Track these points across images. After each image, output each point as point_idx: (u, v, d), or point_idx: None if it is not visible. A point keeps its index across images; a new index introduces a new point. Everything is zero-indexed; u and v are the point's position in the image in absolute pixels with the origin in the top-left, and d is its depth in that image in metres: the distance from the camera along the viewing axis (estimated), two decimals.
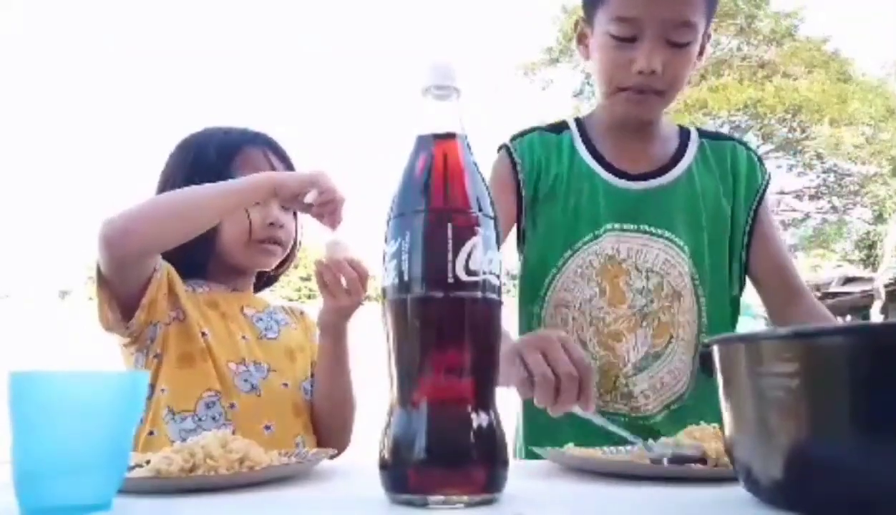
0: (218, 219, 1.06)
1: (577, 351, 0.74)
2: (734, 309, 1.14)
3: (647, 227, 1.09)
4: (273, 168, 1.15)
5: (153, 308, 1.03)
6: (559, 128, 1.19)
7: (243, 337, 1.10)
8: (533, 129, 1.19)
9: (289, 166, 1.19)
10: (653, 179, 1.11)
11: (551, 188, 1.13)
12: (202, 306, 1.10)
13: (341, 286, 1.06)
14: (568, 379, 0.71)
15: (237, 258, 1.15)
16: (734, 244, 1.14)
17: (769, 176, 1.18)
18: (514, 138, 1.17)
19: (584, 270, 1.10)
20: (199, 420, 1.01)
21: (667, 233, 1.08)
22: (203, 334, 1.05)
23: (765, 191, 1.16)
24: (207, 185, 1.01)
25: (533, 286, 1.13)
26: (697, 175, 1.13)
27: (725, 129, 15.77)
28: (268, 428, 1.05)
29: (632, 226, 1.09)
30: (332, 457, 0.78)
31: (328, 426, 1.13)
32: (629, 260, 1.08)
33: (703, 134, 1.19)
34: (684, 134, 1.18)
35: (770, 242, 1.16)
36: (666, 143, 1.15)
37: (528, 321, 1.13)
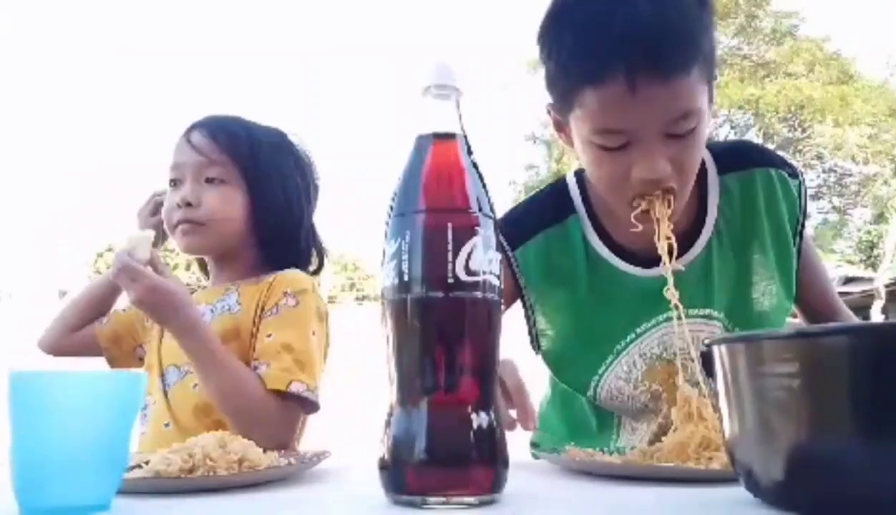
0: (92, 311, 1.27)
1: (509, 380, 0.72)
2: None
3: (690, 311, 0.93)
4: (193, 147, 1.14)
5: (119, 342, 1.26)
6: (562, 210, 1.03)
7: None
8: (535, 230, 1.03)
9: (229, 140, 1.15)
10: (679, 258, 0.92)
11: (567, 283, 1.00)
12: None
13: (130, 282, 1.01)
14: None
15: (178, 247, 1.18)
16: (786, 282, 1.01)
17: (805, 191, 1.03)
18: (512, 242, 1.03)
19: (630, 374, 0.99)
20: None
21: (708, 311, 0.97)
22: (140, 346, 1.23)
23: (805, 211, 1.02)
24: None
25: (571, 382, 1.04)
26: (726, 231, 0.99)
27: (726, 129, 15.80)
28: (167, 425, 1.07)
29: (668, 315, 0.93)
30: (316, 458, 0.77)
31: (229, 424, 0.99)
32: (682, 351, 0.95)
33: (721, 165, 1.01)
34: (700, 178, 0.97)
35: (814, 270, 1.06)
36: (685, 207, 0.95)
37: (569, 400, 1.09)
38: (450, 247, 0.55)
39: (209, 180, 1.13)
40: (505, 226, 0.95)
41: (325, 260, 1.28)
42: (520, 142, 17.12)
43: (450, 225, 0.55)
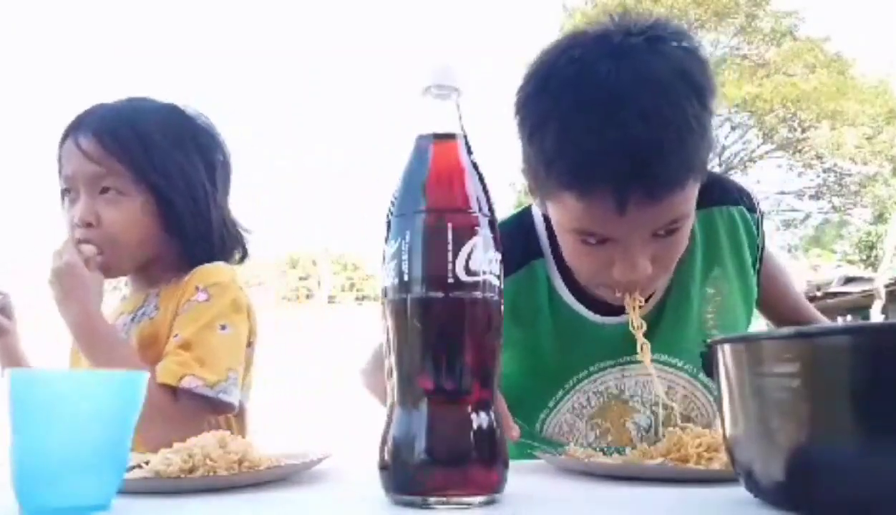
0: None
1: None
2: None
3: (653, 355, 0.91)
4: (82, 152, 1.04)
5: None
6: (528, 254, 0.98)
7: None
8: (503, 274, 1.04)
9: (119, 144, 1.06)
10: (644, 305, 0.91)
11: (529, 325, 0.96)
12: None
13: None
14: None
15: None
16: (747, 313, 1.01)
17: (762, 222, 1.03)
18: None
19: (584, 411, 0.98)
20: None
21: (665, 357, 0.96)
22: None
23: (763, 243, 1.02)
24: None
25: (521, 416, 0.95)
26: (688, 277, 0.97)
27: (726, 129, 15.79)
28: None
29: (633, 356, 0.92)
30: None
31: None
32: (636, 396, 0.96)
33: None
34: None
35: (782, 286, 1.07)
36: None
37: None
38: (450, 247, 0.55)
39: (108, 193, 1.05)
40: None
41: (248, 247, 1.18)
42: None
43: (450, 225, 0.55)
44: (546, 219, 0.98)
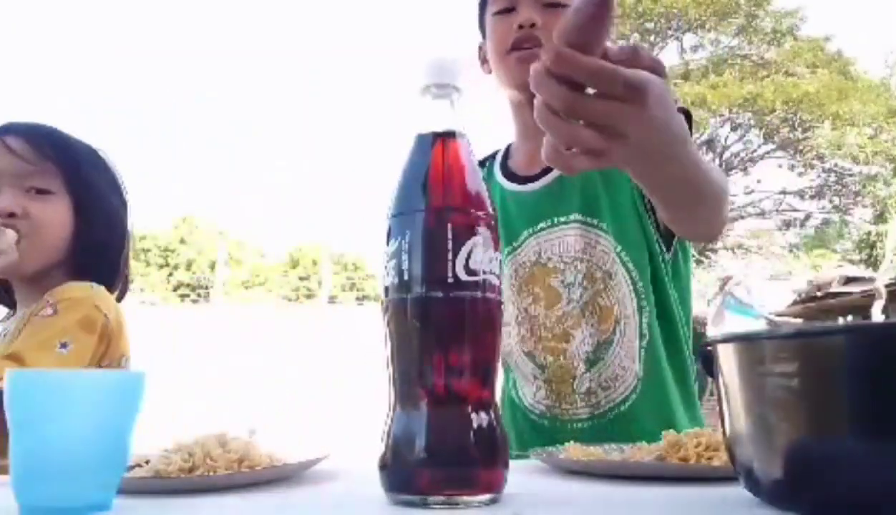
0: None
1: None
2: (667, 273, 1.07)
3: (558, 219, 1.07)
4: (12, 152, 1.06)
5: None
6: (486, 159, 1.21)
7: None
8: None
9: (54, 149, 1.09)
10: (552, 172, 1.09)
11: None
12: None
13: None
14: None
15: None
16: (637, 200, 1.06)
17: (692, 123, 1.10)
18: None
19: (514, 282, 1.09)
20: None
21: (576, 217, 1.06)
22: None
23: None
24: None
25: None
26: None
27: (726, 129, 15.79)
28: None
29: (545, 224, 1.07)
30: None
31: None
32: (553, 257, 1.07)
33: None
34: None
35: None
36: None
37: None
38: (450, 246, 0.55)
39: (36, 190, 1.06)
40: None
41: (128, 291, 1.19)
42: None
43: (450, 224, 0.55)
44: (508, 147, 1.20)
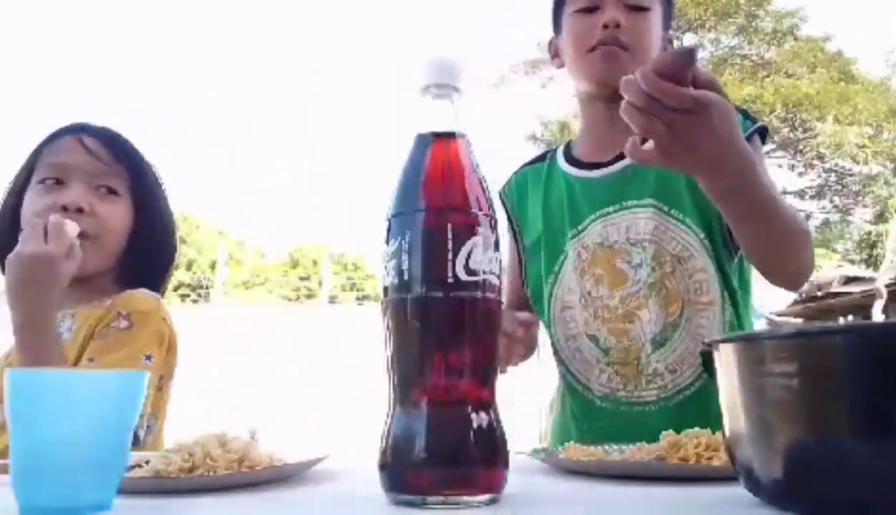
0: None
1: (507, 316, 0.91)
2: (741, 261, 1.09)
3: (628, 202, 1.08)
4: (87, 150, 1.09)
5: None
6: (545, 156, 1.25)
7: None
8: (524, 164, 1.27)
9: (117, 147, 1.12)
10: (624, 160, 1.09)
11: (535, 201, 1.18)
12: None
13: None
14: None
15: None
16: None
17: (755, 137, 1.08)
18: (505, 186, 1.26)
19: (578, 265, 1.10)
20: None
21: (650, 201, 1.06)
22: None
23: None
24: None
25: (539, 307, 1.15)
26: None
27: None
28: None
29: (614, 207, 1.09)
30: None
31: None
32: (620, 239, 1.08)
33: None
34: None
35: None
36: None
37: (551, 342, 1.16)
38: (450, 246, 0.55)
39: (106, 189, 1.08)
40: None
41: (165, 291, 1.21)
42: (520, 142, 17.11)
43: (450, 224, 0.55)
44: (568, 143, 1.25)
